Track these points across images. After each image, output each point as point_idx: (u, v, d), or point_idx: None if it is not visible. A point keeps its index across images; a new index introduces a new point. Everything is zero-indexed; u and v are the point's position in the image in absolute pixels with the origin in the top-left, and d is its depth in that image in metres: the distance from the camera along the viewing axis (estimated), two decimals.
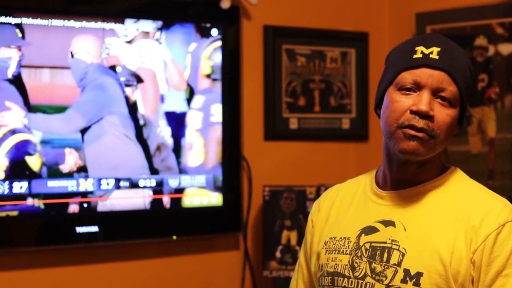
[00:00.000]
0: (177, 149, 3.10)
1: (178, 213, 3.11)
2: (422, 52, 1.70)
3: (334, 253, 1.77)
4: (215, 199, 3.18)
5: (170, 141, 3.09)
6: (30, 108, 2.81)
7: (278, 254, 3.22)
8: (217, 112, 3.18)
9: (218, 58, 3.18)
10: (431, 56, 1.69)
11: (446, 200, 1.71)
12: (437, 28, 3.46)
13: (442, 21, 3.45)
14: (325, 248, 1.80)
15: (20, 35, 2.79)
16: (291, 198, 3.23)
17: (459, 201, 1.70)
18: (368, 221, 1.75)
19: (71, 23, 2.89)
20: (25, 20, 2.80)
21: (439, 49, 1.70)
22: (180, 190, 3.10)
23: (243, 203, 3.27)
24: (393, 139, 1.69)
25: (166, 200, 3.07)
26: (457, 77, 1.70)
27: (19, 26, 2.79)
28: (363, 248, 1.72)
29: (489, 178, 3.32)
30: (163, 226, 3.10)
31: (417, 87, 1.68)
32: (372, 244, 1.71)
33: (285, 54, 3.41)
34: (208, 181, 3.16)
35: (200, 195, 3.14)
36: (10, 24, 2.78)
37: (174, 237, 3.12)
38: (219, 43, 3.18)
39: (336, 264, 1.75)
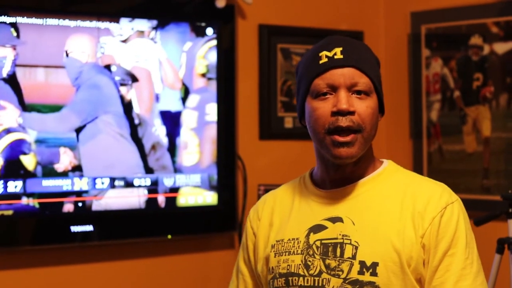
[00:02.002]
0: (172, 148, 3.10)
1: (173, 212, 3.11)
2: (326, 56, 1.76)
3: (285, 255, 1.81)
4: (210, 198, 3.18)
5: (165, 140, 3.08)
6: (25, 107, 2.81)
7: None
8: (212, 111, 3.18)
9: (213, 57, 3.18)
10: (335, 57, 1.76)
11: (388, 191, 1.79)
12: (432, 27, 3.46)
13: (437, 20, 3.46)
14: (274, 251, 1.83)
15: (15, 34, 2.79)
16: None
17: (400, 191, 1.78)
18: (314, 220, 1.80)
19: (66, 22, 2.88)
20: (20, 19, 2.80)
21: (341, 48, 1.77)
22: (175, 189, 3.10)
23: (238, 202, 3.27)
24: (324, 147, 1.75)
25: (161, 199, 3.07)
26: (365, 68, 1.76)
27: (14, 25, 2.79)
28: (314, 246, 1.76)
29: (484, 177, 3.32)
30: (158, 225, 3.10)
31: (332, 89, 1.75)
32: (323, 241, 1.76)
33: (280, 53, 3.41)
34: (203, 180, 3.16)
35: (195, 194, 3.14)
36: (5, 23, 2.78)
37: (169, 237, 3.12)
38: (214, 42, 3.18)
39: (288, 265, 1.79)
